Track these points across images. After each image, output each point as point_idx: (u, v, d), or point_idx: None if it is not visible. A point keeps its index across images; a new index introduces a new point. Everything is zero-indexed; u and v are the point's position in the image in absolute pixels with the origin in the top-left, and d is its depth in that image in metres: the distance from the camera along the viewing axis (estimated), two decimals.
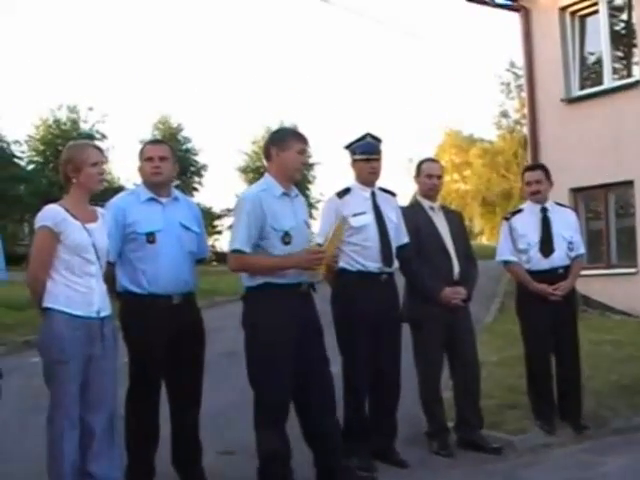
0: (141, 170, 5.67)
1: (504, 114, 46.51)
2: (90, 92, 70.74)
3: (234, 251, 5.36)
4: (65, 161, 4.96)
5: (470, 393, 6.68)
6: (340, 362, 6.17)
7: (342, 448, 5.59)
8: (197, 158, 37.55)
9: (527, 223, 7.03)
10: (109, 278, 5.24)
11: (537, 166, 7.90)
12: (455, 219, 6.98)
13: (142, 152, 5.66)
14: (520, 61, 18.50)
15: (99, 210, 5.12)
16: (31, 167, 33.18)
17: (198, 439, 5.66)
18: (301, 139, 5.71)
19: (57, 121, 33.32)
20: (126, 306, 5.45)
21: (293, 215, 5.50)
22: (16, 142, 33.02)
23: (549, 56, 16.14)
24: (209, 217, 35.35)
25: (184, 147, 36.90)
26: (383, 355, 6.19)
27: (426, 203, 6.79)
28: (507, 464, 6.25)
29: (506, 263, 7.12)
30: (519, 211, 7.25)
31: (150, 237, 5.42)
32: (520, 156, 39.54)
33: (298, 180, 5.75)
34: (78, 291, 4.80)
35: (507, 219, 7.22)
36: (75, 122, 33.20)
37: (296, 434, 5.53)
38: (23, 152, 33.48)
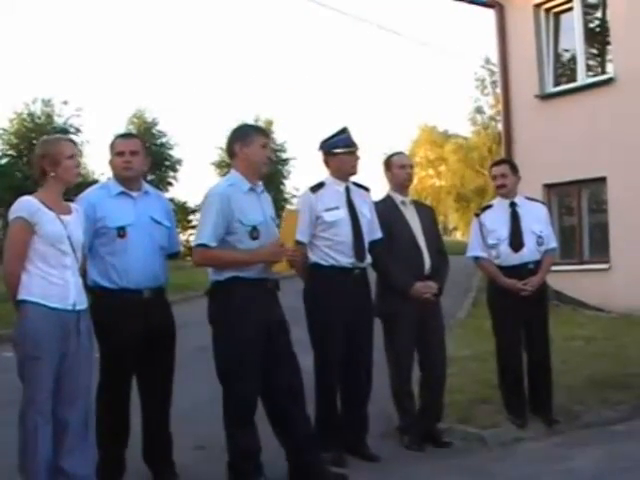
0: (112, 164, 5.63)
1: (479, 110, 46.67)
2: (65, 86, 70.47)
3: (199, 245, 5.38)
4: (41, 156, 4.93)
5: (435, 389, 6.72)
6: (312, 357, 6.18)
7: (314, 443, 5.60)
8: (172, 152, 37.17)
9: (496, 218, 7.03)
10: (83, 272, 5.22)
11: (503, 161, 7.99)
12: (427, 213, 7.00)
13: (113, 146, 5.63)
14: (495, 57, 18.55)
15: (73, 205, 5.10)
16: (5, 161, 32.84)
17: (169, 434, 5.66)
18: (263, 133, 5.77)
19: (31, 115, 32.92)
20: (97, 300, 5.38)
21: (260, 210, 5.52)
22: None
23: (523, 53, 16.20)
24: (184, 212, 35.08)
25: (159, 141, 36.60)
26: (355, 350, 6.20)
27: (398, 198, 6.80)
28: (477, 458, 6.28)
29: (476, 259, 7.13)
30: (489, 207, 7.27)
31: (121, 231, 5.40)
32: (495, 152, 39.61)
33: (265, 174, 5.75)
34: (54, 283, 4.77)
35: (477, 215, 7.23)
36: (49, 116, 32.82)
37: (268, 429, 5.54)
38: None
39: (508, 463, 6.17)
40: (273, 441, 5.55)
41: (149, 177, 31.74)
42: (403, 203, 6.79)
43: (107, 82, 74.91)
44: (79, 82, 64.38)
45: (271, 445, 5.52)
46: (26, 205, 4.81)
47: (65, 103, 32.46)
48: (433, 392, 6.71)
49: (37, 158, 4.97)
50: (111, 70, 74.57)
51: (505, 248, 6.93)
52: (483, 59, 42.06)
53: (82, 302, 4.92)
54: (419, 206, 7.03)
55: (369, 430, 6.40)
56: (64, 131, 29.06)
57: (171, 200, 32.60)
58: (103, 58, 71.03)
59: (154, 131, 36.76)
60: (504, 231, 6.96)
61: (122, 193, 5.54)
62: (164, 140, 37.17)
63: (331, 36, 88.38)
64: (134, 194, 5.56)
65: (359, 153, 6.43)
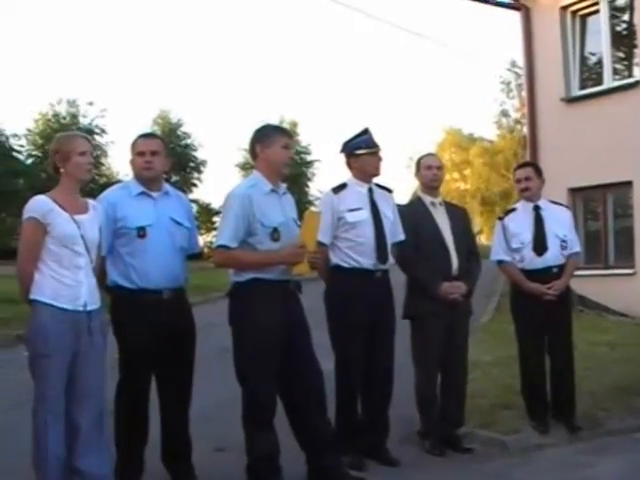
0: (132, 164, 5.63)
1: (504, 113, 46.54)
2: (90, 86, 70.70)
3: (220, 246, 5.37)
4: (54, 151, 4.94)
5: (455, 393, 6.66)
6: (333, 359, 6.14)
7: (333, 446, 5.56)
8: (196, 154, 37.33)
9: (520, 222, 6.97)
10: (101, 272, 5.21)
11: (527, 164, 7.94)
12: (458, 215, 6.93)
13: (134, 146, 5.61)
14: (521, 60, 18.47)
15: (90, 202, 5.08)
16: (30, 161, 33.08)
17: (188, 435, 5.63)
18: (285, 133, 5.73)
19: (56, 115, 33.22)
20: (116, 301, 5.41)
21: (281, 212, 5.50)
22: (15, 136, 32.81)
23: (549, 55, 16.11)
24: (208, 213, 35.27)
25: (183, 143, 36.74)
26: (376, 353, 6.17)
27: (427, 199, 6.75)
28: (499, 464, 6.22)
29: (500, 263, 7.06)
30: (512, 210, 7.21)
31: (141, 232, 5.38)
32: (520, 155, 39.40)
33: (286, 175, 5.71)
34: (65, 284, 4.76)
35: (501, 219, 7.18)
36: (74, 116, 33.10)
37: (288, 431, 5.51)
38: (22, 146, 33.31)
39: (529, 469, 6.10)
40: (292, 444, 5.52)
41: (173, 178, 31.87)
42: (433, 204, 6.74)
43: (132, 83, 75.09)
44: (104, 83, 64.49)
45: (290, 448, 5.49)
46: (39, 205, 4.80)
47: (90, 104, 32.73)
48: (453, 396, 6.65)
49: (51, 153, 4.98)
50: (136, 71, 74.70)
51: (529, 252, 6.86)
52: (509, 62, 41.88)
53: (94, 302, 4.90)
54: (450, 207, 6.97)
55: (389, 434, 6.36)
56: (89, 132, 29.28)
57: (195, 201, 32.90)
58: (128, 59, 71.23)
59: (179, 132, 36.91)
60: (528, 235, 6.89)
61: (142, 193, 5.52)
62: (189, 141, 37.31)
63: (356, 38, 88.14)
64: (154, 194, 5.55)
65: (381, 154, 6.40)
